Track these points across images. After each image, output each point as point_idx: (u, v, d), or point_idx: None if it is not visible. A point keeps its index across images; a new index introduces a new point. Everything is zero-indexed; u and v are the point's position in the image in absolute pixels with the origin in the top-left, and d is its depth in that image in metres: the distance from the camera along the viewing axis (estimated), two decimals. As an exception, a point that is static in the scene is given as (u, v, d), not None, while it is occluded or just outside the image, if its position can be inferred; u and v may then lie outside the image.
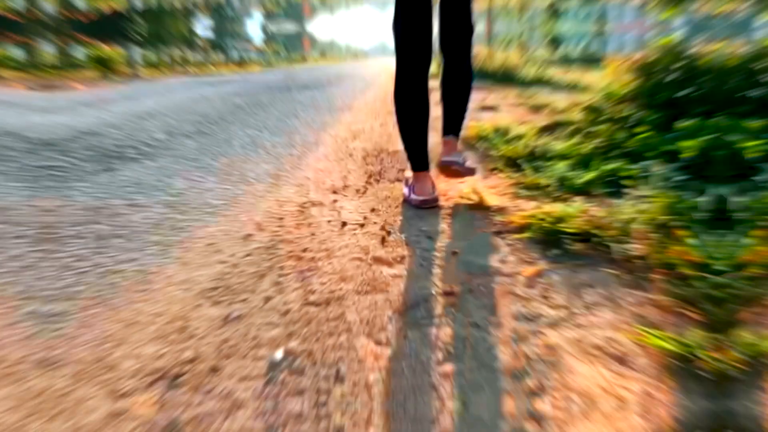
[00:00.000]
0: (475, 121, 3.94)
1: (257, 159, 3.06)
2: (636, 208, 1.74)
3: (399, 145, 2.55)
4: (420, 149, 2.14)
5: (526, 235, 1.67)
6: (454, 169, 2.18)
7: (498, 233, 1.74)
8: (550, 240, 1.61)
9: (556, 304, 1.26)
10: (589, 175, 2.22)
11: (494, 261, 1.53)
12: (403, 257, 1.59)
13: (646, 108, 2.74)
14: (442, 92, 2.21)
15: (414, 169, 2.15)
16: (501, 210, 1.96)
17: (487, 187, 2.32)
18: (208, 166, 2.85)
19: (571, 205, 1.84)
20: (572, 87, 7.58)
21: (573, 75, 9.19)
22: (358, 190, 2.34)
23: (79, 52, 15.28)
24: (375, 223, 1.91)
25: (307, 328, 1.20)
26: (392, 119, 3.63)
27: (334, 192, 2.33)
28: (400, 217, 1.97)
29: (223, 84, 10.33)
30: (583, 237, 1.57)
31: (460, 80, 2.19)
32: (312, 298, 1.34)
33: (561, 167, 2.35)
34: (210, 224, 1.92)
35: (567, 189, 2.14)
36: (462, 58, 2.21)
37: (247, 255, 1.63)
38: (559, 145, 2.75)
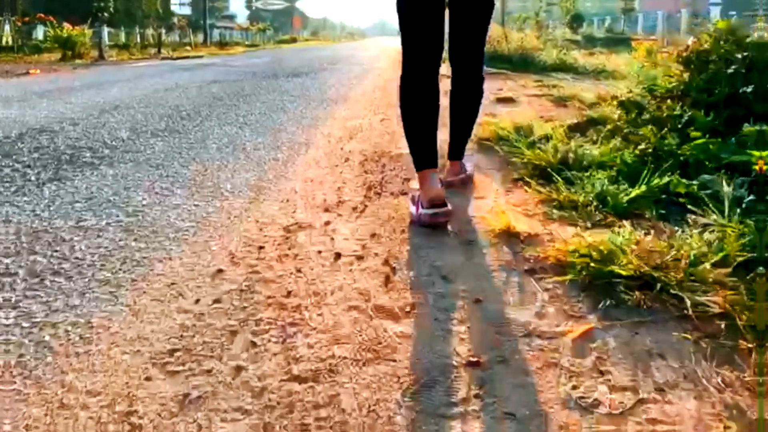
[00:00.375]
0: (491, 117, 3.75)
1: (235, 165, 2.86)
2: (704, 241, 1.54)
3: (403, 146, 2.37)
4: (427, 147, 2.00)
5: (567, 277, 1.47)
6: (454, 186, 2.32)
7: (531, 272, 1.55)
8: (598, 285, 1.41)
9: (617, 385, 1.06)
10: (637, 191, 2.03)
11: (530, 314, 1.33)
12: (412, 306, 1.39)
13: (699, 106, 2.54)
14: (451, 109, 2.26)
15: (419, 167, 1.99)
16: (532, 238, 1.76)
17: (511, 205, 2.13)
18: (176, 175, 2.65)
19: (619, 234, 1.64)
20: (598, 72, 7.40)
21: (598, 59, 9.00)
22: (355, 208, 2.15)
23: (40, 32, 15.05)
24: (376, 254, 1.71)
25: (289, 417, 1.01)
26: (395, 113, 3.44)
27: (327, 210, 2.14)
28: (408, 247, 1.78)
29: (200, 69, 10.15)
30: (642, 281, 1.38)
31: (471, 95, 2.24)
32: (296, 369, 1.15)
33: (600, 179, 2.16)
34: (173, 255, 1.72)
35: (610, 209, 1.95)
36: (474, 49, 2.14)
37: (216, 301, 1.44)
38: (595, 150, 2.56)
